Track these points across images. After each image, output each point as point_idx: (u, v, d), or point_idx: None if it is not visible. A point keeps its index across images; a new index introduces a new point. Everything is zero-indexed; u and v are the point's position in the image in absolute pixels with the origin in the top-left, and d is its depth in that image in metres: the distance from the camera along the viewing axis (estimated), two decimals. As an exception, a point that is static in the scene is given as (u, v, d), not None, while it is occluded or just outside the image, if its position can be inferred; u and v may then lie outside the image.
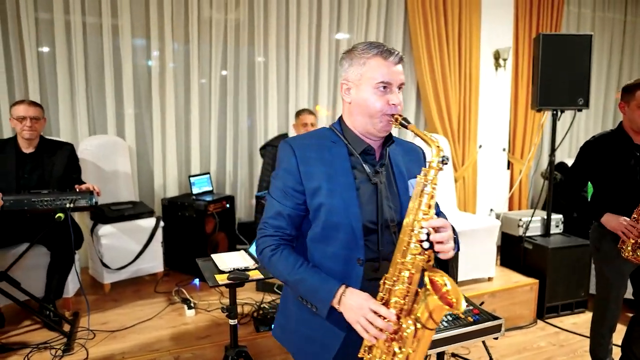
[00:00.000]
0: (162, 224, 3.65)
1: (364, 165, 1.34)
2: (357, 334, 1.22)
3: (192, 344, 2.73)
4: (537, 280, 3.67)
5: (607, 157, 2.40)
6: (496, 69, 5.08)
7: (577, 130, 5.83)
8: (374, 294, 1.24)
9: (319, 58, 4.55)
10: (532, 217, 3.89)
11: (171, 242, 3.85)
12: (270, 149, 4.08)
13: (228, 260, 2.38)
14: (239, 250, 3.68)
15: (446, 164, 1.21)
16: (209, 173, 4.09)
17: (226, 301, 3.28)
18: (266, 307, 3.15)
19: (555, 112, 3.73)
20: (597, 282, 2.62)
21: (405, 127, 1.27)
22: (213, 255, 2.46)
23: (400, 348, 1.19)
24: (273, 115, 4.44)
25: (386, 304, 1.21)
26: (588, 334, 2.79)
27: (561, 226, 3.97)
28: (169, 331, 2.89)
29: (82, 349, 2.64)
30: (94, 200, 2.73)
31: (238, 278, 2.14)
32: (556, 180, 4.30)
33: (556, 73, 3.61)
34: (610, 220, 2.35)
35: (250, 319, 3.01)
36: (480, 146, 5.08)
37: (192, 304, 3.17)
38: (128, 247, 3.47)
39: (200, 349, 2.70)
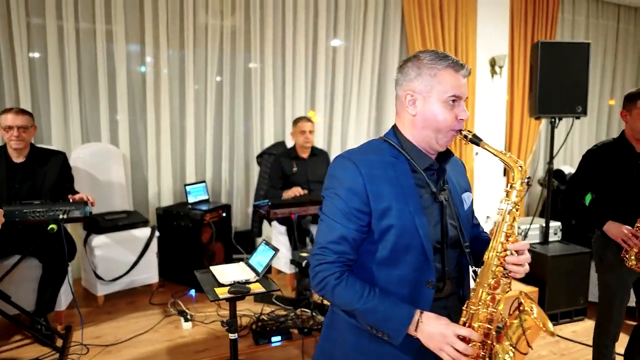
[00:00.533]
0: (157, 234, 3.58)
1: (429, 182, 1.27)
2: (426, 357, 1.20)
3: (190, 357, 2.66)
4: (537, 288, 3.64)
5: (610, 166, 2.38)
6: (492, 76, 5.09)
7: (570, 137, 5.84)
8: (439, 314, 1.19)
9: (315, 64, 4.52)
10: (530, 224, 3.87)
11: (166, 253, 3.77)
12: (267, 157, 4.03)
13: (227, 273, 2.32)
14: (236, 260, 3.64)
15: (530, 185, 1.18)
16: (204, 181, 4.03)
17: (224, 312, 3.22)
18: (265, 318, 3.09)
19: (553, 119, 3.72)
20: (600, 291, 2.59)
21: (477, 144, 1.22)
22: (212, 268, 2.40)
23: None
24: (269, 123, 4.39)
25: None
26: (588, 342, 2.76)
27: (559, 234, 3.96)
28: (165, 345, 2.82)
29: (75, 365, 2.57)
30: (88, 210, 2.65)
31: (239, 292, 2.08)
32: (553, 187, 4.29)
33: (554, 80, 3.60)
34: (612, 228, 2.33)
35: (249, 331, 2.94)
36: (477, 153, 5.07)
37: (188, 316, 3.09)
38: (122, 257, 3.38)
39: (197, 363, 2.64)
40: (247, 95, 4.35)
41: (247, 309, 3.24)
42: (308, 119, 3.70)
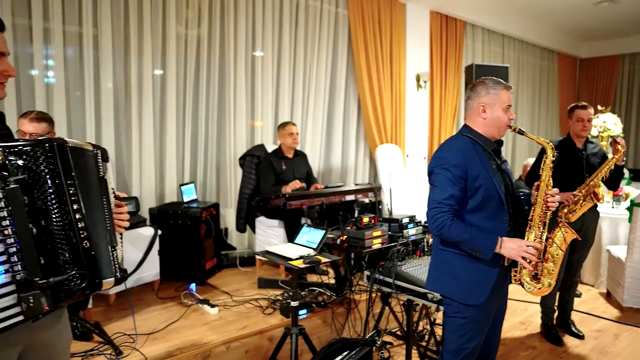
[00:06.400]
0: (159, 232, 3.72)
1: (495, 158, 1.94)
2: (505, 270, 1.89)
3: (237, 334, 2.96)
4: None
5: (562, 156, 3.31)
6: (417, 89, 6.04)
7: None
8: None
9: (279, 75, 4.97)
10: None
11: (162, 251, 3.89)
12: (250, 159, 4.36)
13: (288, 251, 2.69)
14: (224, 256, 4.02)
15: (557, 157, 1.91)
16: (194, 182, 4.22)
17: (239, 298, 3.54)
18: (280, 298, 3.47)
19: (482, 125, 4.68)
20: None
21: (522, 134, 1.96)
22: (269, 248, 2.75)
23: (550, 264, 1.89)
24: (241, 128, 4.72)
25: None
26: (526, 299, 3.64)
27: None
28: (205, 327, 3.06)
29: (133, 351, 2.71)
30: (138, 205, 2.81)
31: (314, 261, 2.50)
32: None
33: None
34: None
35: (273, 310, 3.31)
36: (408, 155, 5.95)
37: (212, 303, 3.34)
38: (130, 256, 3.42)
39: (246, 337, 2.95)
40: (221, 102, 4.64)
41: (258, 293, 3.59)
42: (294, 123, 4.14)
